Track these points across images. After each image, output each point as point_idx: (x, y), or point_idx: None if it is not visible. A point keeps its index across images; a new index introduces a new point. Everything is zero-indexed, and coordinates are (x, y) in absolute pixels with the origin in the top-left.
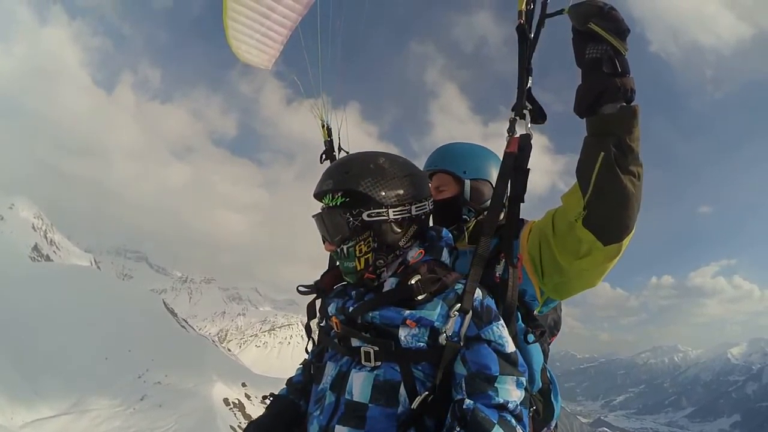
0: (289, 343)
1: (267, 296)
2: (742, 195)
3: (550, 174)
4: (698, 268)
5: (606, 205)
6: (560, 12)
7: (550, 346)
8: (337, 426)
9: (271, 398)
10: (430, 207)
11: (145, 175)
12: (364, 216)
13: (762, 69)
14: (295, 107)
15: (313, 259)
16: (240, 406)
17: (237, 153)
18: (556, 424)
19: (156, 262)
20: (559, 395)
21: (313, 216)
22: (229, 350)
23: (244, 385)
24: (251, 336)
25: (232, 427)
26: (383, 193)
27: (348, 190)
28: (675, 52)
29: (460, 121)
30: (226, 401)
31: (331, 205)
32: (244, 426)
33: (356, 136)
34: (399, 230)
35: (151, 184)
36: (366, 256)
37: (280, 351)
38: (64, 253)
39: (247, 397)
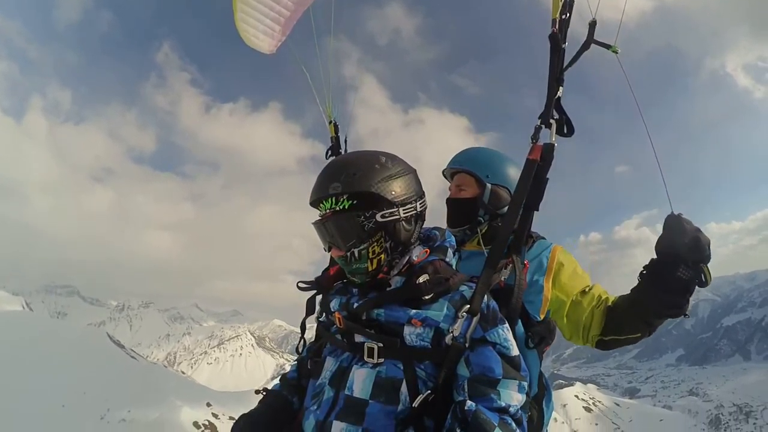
0: (240, 354)
1: (209, 311)
2: (656, 149)
3: None
4: (622, 222)
5: (620, 345)
6: (608, 46)
7: (544, 354)
8: (334, 421)
9: (264, 393)
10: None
11: (65, 205)
12: (378, 217)
13: (662, 37)
14: (214, 114)
15: (246, 269)
16: (211, 427)
17: (159, 168)
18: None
19: (89, 294)
20: (552, 401)
21: (315, 223)
22: (183, 372)
23: (209, 404)
24: (201, 354)
25: None
26: (393, 192)
27: (359, 192)
28: (581, 31)
29: (380, 112)
30: (196, 424)
31: (338, 209)
32: None
33: (280, 136)
34: (409, 228)
35: (72, 213)
36: (379, 257)
37: (233, 364)
38: None
39: (215, 416)
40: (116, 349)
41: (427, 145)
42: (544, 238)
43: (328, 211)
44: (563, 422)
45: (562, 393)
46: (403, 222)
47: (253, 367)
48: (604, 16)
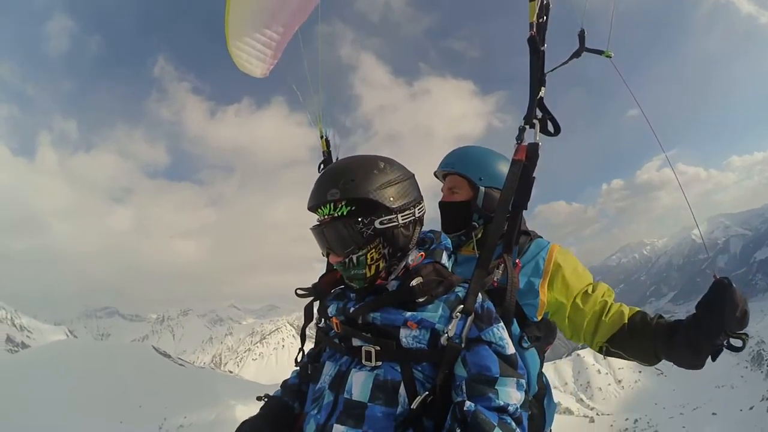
0: (283, 346)
1: (246, 309)
2: (664, 93)
3: (483, 116)
4: (643, 166)
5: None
6: (600, 52)
7: (545, 354)
8: (335, 425)
9: (265, 399)
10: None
11: (88, 230)
12: (377, 224)
13: None
14: (220, 118)
15: (273, 262)
16: None
17: (174, 179)
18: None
19: (128, 312)
20: (554, 401)
21: (313, 228)
22: (230, 372)
23: (259, 398)
24: (245, 352)
25: None
26: (392, 199)
27: (358, 198)
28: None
29: (384, 88)
30: None
31: (336, 215)
32: None
33: (288, 129)
34: (408, 233)
35: (97, 236)
36: (377, 263)
37: (277, 356)
38: (37, 334)
39: None
40: (163, 360)
41: (436, 115)
42: (541, 237)
43: (326, 217)
44: (607, 372)
45: None
46: (402, 228)
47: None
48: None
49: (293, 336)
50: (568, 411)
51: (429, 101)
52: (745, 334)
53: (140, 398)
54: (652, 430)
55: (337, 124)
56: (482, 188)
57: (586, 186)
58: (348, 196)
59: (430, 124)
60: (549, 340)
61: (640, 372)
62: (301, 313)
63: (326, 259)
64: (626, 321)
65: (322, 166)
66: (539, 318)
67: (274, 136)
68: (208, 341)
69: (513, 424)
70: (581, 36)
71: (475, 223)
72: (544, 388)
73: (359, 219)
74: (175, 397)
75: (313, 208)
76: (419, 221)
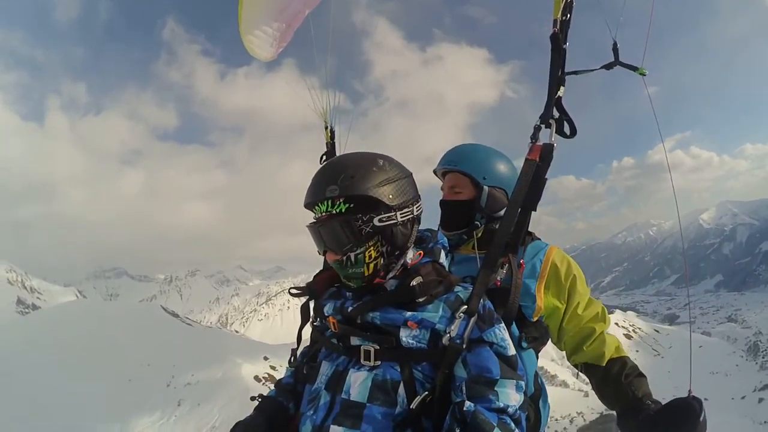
0: (288, 307)
1: (253, 270)
2: (683, 73)
3: (497, 85)
4: (655, 146)
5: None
6: (634, 68)
7: (539, 354)
8: (332, 426)
9: (259, 399)
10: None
11: (99, 193)
12: (375, 221)
13: None
14: (230, 80)
15: (283, 225)
16: (271, 379)
17: (185, 141)
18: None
19: (136, 272)
20: (548, 401)
21: (309, 226)
22: (236, 332)
23: (266, 358)
24: (251, 312)
25: None
26: (390, 196)
27: (357, 195)
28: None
29: (397, 53)
30: (257, 378)
31: (334, 212)
32: None
33: (299, 92)
34: (406, 232)
35: (108, 199)
36: (375, 261)
37: (282, 317)
38: (47, 295)
39: (273, 368)
40: (172, 319)
41: (449, 82)
42: (539, 239)
43: (323, 214)
44: None
45: None
46: (401, 226)
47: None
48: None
49: (298, 299)
50: (564, 384)
51: (442, 68)
52: None
53: (149, 357)
54: None
55: (349, 89)
56: (486, 188)
57: (597, 162)
58: (347, 193)
59: (442, 91)
60: (544, 340)
61: (637, 351)
62: (306, 276)
63: (323, 258)
64: (604, 364)
65: (324, 157)
66: (535, 319)
67: (285, 99)
68: (215, 301)
69: (512, 424)
70: (615, 49)
71: (477, 223)
72: (540, 389)
73: (358, 216)
74: (183, 355)
75: (310, 205)
76: (417, 220)
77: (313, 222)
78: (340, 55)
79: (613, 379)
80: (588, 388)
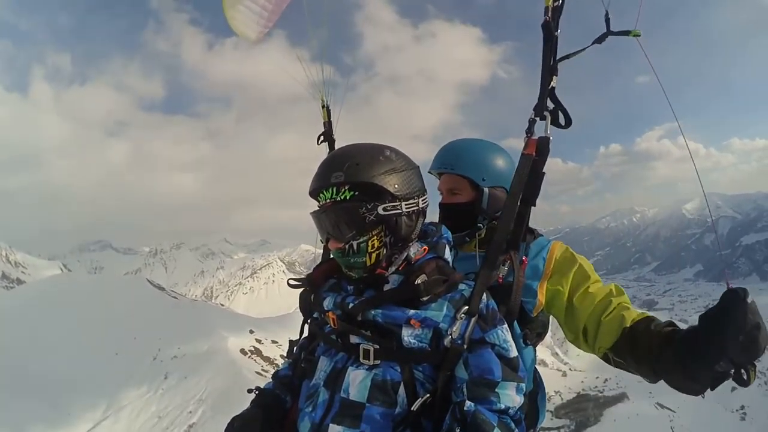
0: (273, 281)
1: (238, 243)
2: (676, 62)
3: (489, 65)
4: (643, 134)
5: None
6: (626, 33)
7: (536, 348)
8: (331, 425)
9: (257, 391)
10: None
11: (84, 164)
12: (380, 210)
13: None
14: (218, 50)
15: (269, 198)
16: (257, 352)
17: (171, 112)
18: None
19: (121, 245)
20: (545, 398)
21: (314, 213)
22: (221, 305)
23: (251, 331)
24: (235, 286)
25: (257, 373)
26: (396, 186)
27: (362, 182)
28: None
29: (389, 29)
30: (242, 351)
31: (339, 199)
32: (267, 369)
33: (289, 64)
34: (411, 223)
35: (92, 170)
36: (378, 251)
37: (267, 291)
38: (31, 269)
39: (258, 341)
40: (158, 292)
41: (440, 60)
42: (542, 235)
43: (328, 201)
44: None
45: None
46: (405, 217)
47: (286, 292)
48: None
49: (283, 272)
50: (543, 363)
51: (434, 45)
52: (752, 365)
53: (135, 330)
54: (620, 389)
55: (338, 61)
56: (486, 189)
57: (584, 147)
58: (352, 179)
59: (434, 68)
60: (542, 335)
61: None
62: (291, 250)
63: (325, 247)
64: (628, 325)
65: (321, 138)
66: (535, 314)
67: (274, 70)
68: (200, 274)
69: (512, 424)
70: (606, 20)
71: (480, 225)
72: (538, 385)
73: (363, 204)
74: (169, 328)
75: (315, 191)
76: (422, 213)
77: (317, 209)
78: (330, 26)
79: (642, 334)
80: (566, 367)
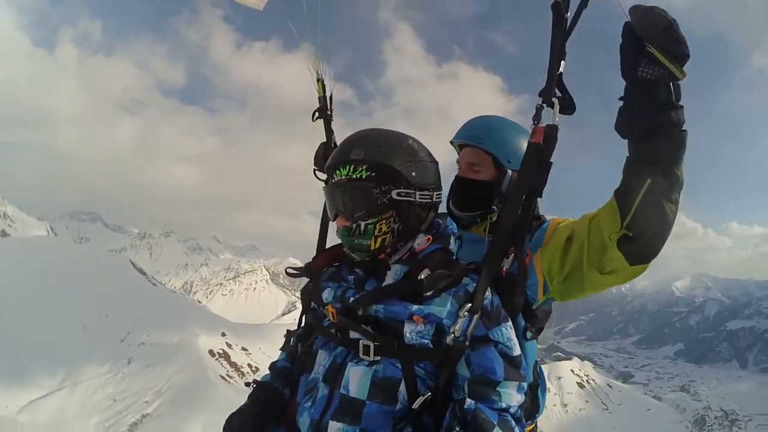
0: (255, 288)
1: (227, 243)
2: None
3: (506, 115)
4: None
5: (645, 232)
6: None
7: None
8: (330, 421)
9: (254, 385)
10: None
11: (92, 134)
12: (394, 194)
13: (713, 25)
14: (245, 52)
15: (266, 204)
16: (225, 356)
17: (187, 102)
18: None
19: (111, 221)
20: (546, 391)
21: (328, 188)
22: (198, 302)
23: (223, 334)
24: (216, 285)
25: (221, 377)
26: (413, 174)
27: (380, 164)
28: (628, 1)
29: (414, 62)
30: (211, 352)
31: (354, 177)
32: (232, 375)
33: (309, 77)
34: (422, 215)
35: (99, 142)
36: (384, 236)
37: (247, 297)
38: (19, 225)
39: (229, 345)
40: (138, 276)
41: (459, 101)
42: (547, 221)
43: (343, 177)
44: (555, 393)
45: (559, 365)
46: (417, 207)
47: (266, 302)
48: None
49: (266, 281)
50: None
51: (455, 86)
52: (675, 65)
53: (108, 308)
54: None
55: (360, 86)
56: (510, 172)
57: (580, 210)
58: (371, 158)
59: (450, 108)
60: (541, 330)
61: (587, 402)
62: (278, 260)
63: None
64: (613, 195)
65: (316, 113)
66: (540, 299)
67: (294, 81)
68: (184, 267)
69: (512, 422)
70: None
71: (495, 207)
72: (539, 378)
73: (377, 185)
74: (143, 314)
75: (332, 166)
76: (435, 207)
77: (331, 183)
78: (357, 48)
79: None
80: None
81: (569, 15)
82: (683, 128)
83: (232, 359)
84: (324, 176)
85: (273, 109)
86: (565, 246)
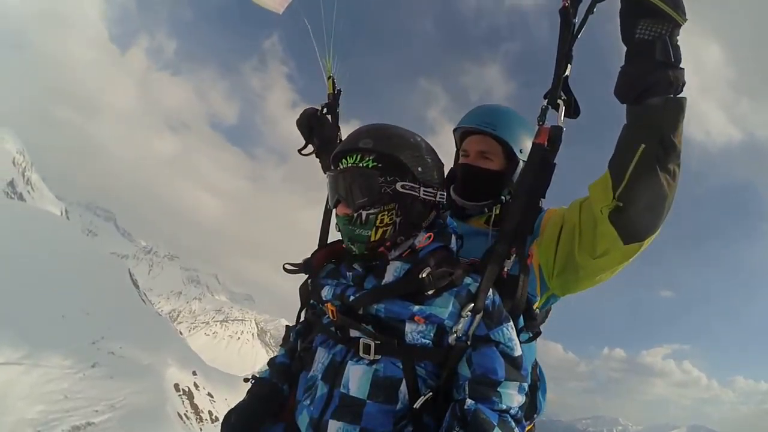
0: (239, 338)
1: (226, 286)
2: (702, 286)
3: None
4: (651, 348)
5: (637, 202)
6: None
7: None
8: (330, 420)
9: (253, 381)
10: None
11: (134, 137)
12: (398, 186)
13: (742, 174)
14: (297, 110)
15: (274, 259)
16: (189, 395)
17: (231, 141)
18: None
19: (123, 226)
20: (547, 392)
21: (332, 173)
22: (181, 333)
23: (194, 373)
24: (203, 323)
25: (179, 414)
26: (420, 169)
27: (388, 154)
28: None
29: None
30: (176, 387)
31: (361, 165)
32: (190, 416)
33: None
34: (424, 211)
35: (137, 146)
36: (386, 228)
37: (229, 344)
38: (37, 195)
39: (196, 386)
40: (132, 287)
41: None
42: (543, 210)
43: (349, 165)
44: None
45: None
46: (420, 202)
47: (246, 355)
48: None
49: (252, 335)
50: None
51: None
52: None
53: (92, 307)
54: None
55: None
56: (522, 161)
57: (590, 342)
58: (380, 149)
59: None
60: (540, 331)
61: None
62: (270, 318)
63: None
64: (607, 167)
65: (324, 109)
66: (539, 295)
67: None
68: (177, 294)
69: (512, 423)
70: None
71: (503, 197)
72: (538, 379)
73: (383, 175)
74: (123, 325)
75: (339, 154)
76: (436, 206)
77: (336, 170)
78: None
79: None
80: None
81: (576, 20)
82: (682, 93)
83: (195, 400)
84: (307, 150)
85: (307, 174)
86: (558, 237)
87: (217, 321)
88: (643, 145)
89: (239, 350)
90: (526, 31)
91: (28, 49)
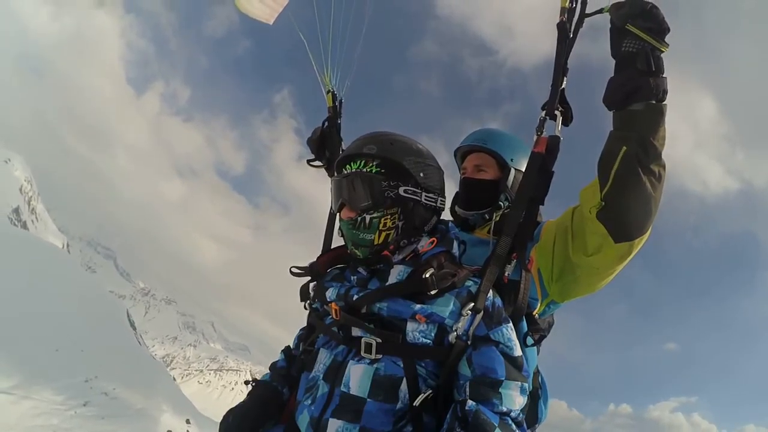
0: (233, 389)
1: (222, 334)
2: (706, 338)
3: None
4: (658, 402)
5: (623, 201)
6: (600, 11)
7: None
8: (330, 419)
9: (253, 384)
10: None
11: (141, 178)
12: (401, 190)
13: (741, 223)
14: (304, 166)
15: (272, 311)
16: None
17: (237, 189)
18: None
19: (123, 266)
20: (549, 401)
21: (336, 177)
22: (174, 379)
23: (188, 421)
24: (196, 370)
25: None
26: (422, 175)
27: (391, 160)
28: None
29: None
30: None
31: (365, 170)
32: None
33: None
34: (426, 216)
35: (144, 188)
36: (388, 232)
37: (222, 394)
38: (41, 225)
39: None
40: (129, 328)
41: None
42: (542, 222)
43: (353, 170)
44: None
45: None
46: (422, 207)
47: None
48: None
49: (246, 387)
50: None
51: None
52: (659, 41)
53: (86, 344)
54: None
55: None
56: (513, 169)
57: (594, 398)
58: (383, 154)
59: None
60: (546, 334)
61: None
62: (266, 369)
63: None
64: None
65: (326, 123)
66: (539, 299)
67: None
68: (172, 339)
69: (513, 425)
70: (583, 3)
71: (501, 203)
72: (539, 387)
73: (386, 180)
74: (118, 365)
75: (344, 159)
76: (438, 212)
77: (341, 175)
78: (341, 31)
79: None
80: None
81: (572, 35)
82: (663, 100)
83: None
84: (318, 163)
85: (310, 225)
86: (553, 242)
87: (212, 369)
88: (624, 148)
89: (232, 401)
90: (524, 92)
91: (48, 75)
